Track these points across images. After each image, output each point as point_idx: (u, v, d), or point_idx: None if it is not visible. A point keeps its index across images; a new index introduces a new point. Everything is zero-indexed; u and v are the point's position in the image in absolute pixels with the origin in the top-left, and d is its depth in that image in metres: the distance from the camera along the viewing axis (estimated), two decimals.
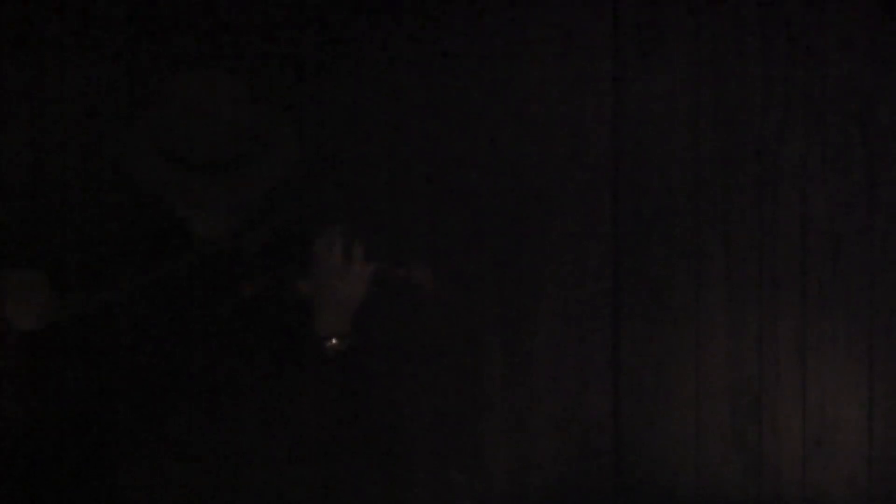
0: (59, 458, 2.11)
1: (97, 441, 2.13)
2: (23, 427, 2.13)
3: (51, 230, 2.96)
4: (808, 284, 3.12)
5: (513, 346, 3.13)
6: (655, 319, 3.13)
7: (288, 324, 2.16)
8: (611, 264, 3.13)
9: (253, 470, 2.14)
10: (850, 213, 3.11)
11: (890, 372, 3.11)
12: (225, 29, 3.00)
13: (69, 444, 2.10)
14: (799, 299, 3.12)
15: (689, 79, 3.11)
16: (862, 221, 3.11)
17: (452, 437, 3.13)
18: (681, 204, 3.12)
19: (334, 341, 2.08)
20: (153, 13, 2.99)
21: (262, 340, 2.16)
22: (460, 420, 3.13)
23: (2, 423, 2.15)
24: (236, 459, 2.13)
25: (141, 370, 2.11)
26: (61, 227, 2.96)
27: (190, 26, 2.99)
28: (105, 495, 2.13)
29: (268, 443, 2.14)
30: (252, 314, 2.16)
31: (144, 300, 2.16)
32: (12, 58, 2.95)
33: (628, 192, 3.12)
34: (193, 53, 2.99)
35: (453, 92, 3.07)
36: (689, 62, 3.11)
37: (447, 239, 3.08)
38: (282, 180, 2.15)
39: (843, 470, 3.13)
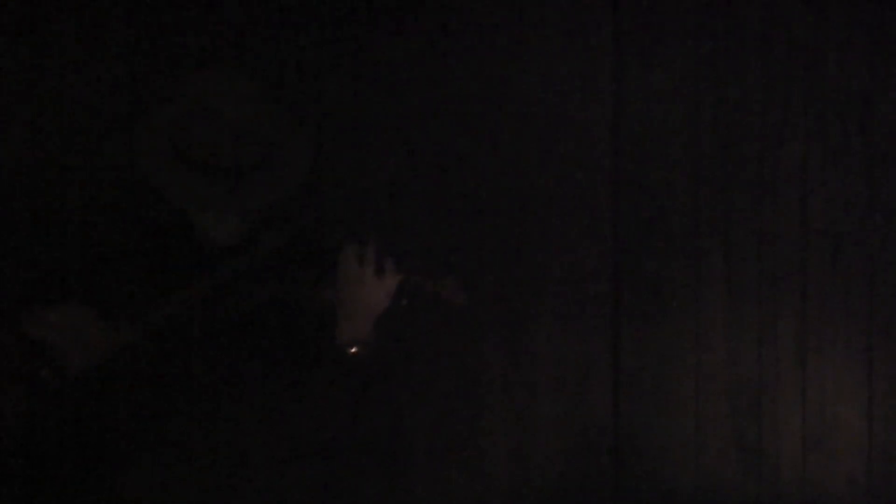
0: (60, 457, 2.11)
1: (99, 440, 2.13)
2: (23, 426, 2.13)
3: (52, 231, 2.96)
4: (808, 284, 3.13)
5: (513, 346, 3.13)
6: (655, 319, 3.13)
7: (298, 328, 2.16)
8: (611, 264, 3.13)
9: (253, 470, 2.14)
10: (850, 213, 3.11)
11: (890, 372, 3.11)
12: (226, 29, 3.00)
13: (70, 444, 2.10)
14: (799, 299, 3.12)
15: (689, 79, 3.11)
16: (862, 221, 3.11)
17: (452, 437, 3.13)
18: (681, 204, 3.12)
19: (355, 349, 2.09)
20: (153, 13, 2.99)
21: (269, 343, 2.16)
22: (460, 420, 3.13)
23: (2, 423, 2.14)
24: (237, 459, 2.14)
25: (146, 371, 2.11)
26: (62, 227, 2.96)
27: (191, 26, 2.99)
28: (106, 495, 2.13)
29: (268, 443, 2.14)
30: (262, 317, 2.16)
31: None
32: (12, 57, 2.95)
33: (628, 192, 3.13)
34: (194, 53, 2.99)
35: (454, 92, 3.08)
36: (689, 62, 3.11)
37: (447, 239, 3.08)
38: (295, 187, 2.14)
39: (843, 470, 3.13)
